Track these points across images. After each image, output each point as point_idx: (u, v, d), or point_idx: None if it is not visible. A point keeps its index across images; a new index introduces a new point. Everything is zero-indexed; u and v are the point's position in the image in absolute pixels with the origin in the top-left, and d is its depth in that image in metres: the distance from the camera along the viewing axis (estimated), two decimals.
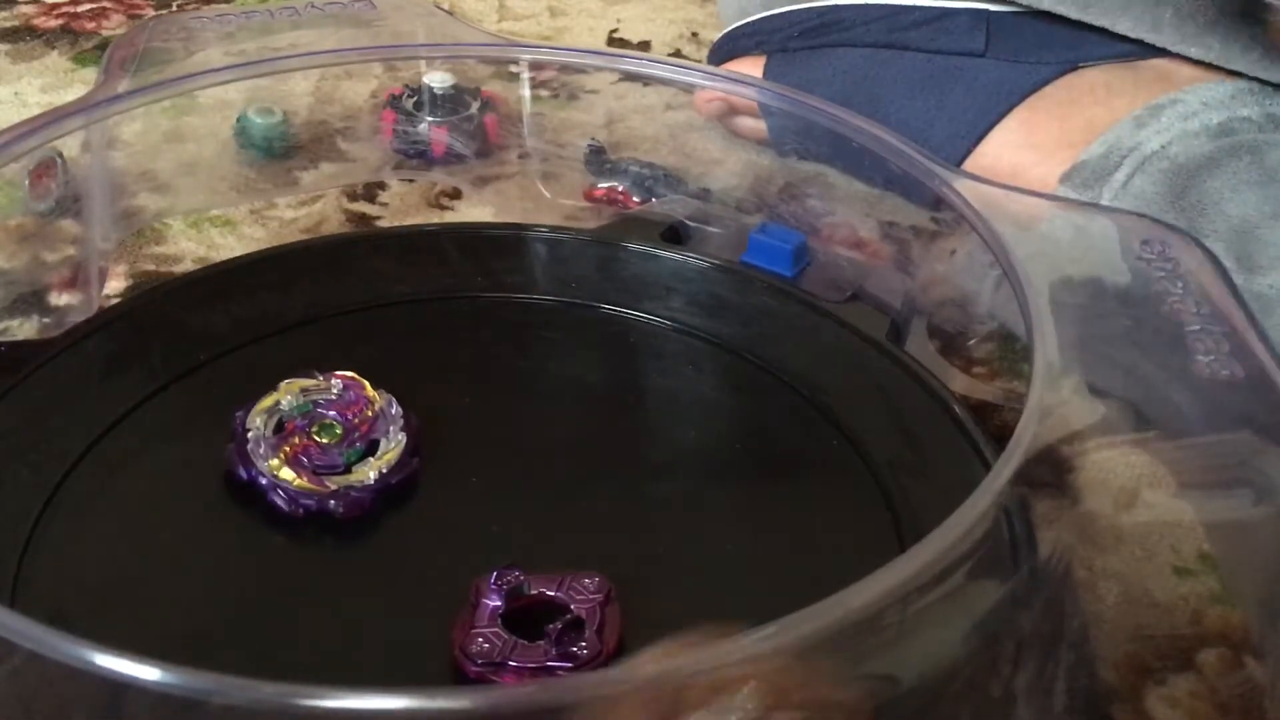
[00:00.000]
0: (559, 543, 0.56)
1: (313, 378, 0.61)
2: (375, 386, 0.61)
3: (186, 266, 0.80)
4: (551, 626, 0.49)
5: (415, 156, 0.85)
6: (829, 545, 0.57)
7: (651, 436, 0.63)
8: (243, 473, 0.57)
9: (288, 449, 0.57)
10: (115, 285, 0.77)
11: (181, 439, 0.61)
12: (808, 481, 0.61)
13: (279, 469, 0.57)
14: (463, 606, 0.50)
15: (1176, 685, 0.56)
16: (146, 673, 0.37)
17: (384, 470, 0.57)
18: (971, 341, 0.71)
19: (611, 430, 0.63)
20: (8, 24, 1.09)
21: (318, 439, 0.58)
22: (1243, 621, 0.58)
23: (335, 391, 0.60)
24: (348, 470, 0.57)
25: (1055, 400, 0.52)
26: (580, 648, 0.49)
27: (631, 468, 0.60)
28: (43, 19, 1.10)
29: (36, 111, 0.83)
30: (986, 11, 0.81)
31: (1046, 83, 0.79)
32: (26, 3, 1.12)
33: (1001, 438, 0.53)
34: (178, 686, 0.37)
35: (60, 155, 0.72)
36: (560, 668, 0.48)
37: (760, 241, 0.71)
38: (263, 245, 0.81)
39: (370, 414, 0.59)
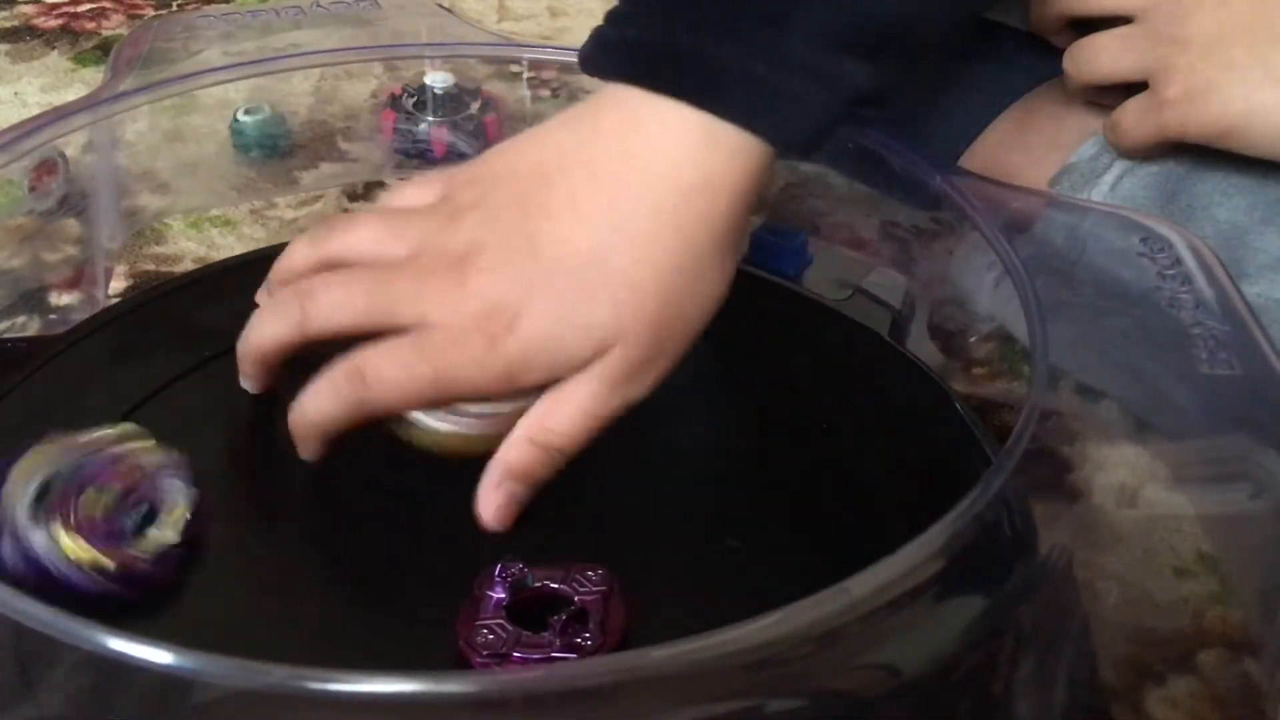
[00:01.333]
0: (563, 536, 0.56)
1: (165, 453, 0.55)
2: None
3: (186, 266, 0.80)
4: (555, 618, 0.49)
5: (416, 156, 0.85)
6: (830, 539, 0.57)
7: (654, 433, 0.63)
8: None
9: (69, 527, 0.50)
10: (115, 285, 0.77)
11: (185, 436, 0.61)
12: (809, 477, 0.61)
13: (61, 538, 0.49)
14: (467, 599, 0.51)
15: (1176, 686, 0.56)
16: (157, 655, 0.37)
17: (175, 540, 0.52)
18: (972, 339, 0.72)
19: (613, 426, 0.63)
20: (8, 24, 1.09)
21: (91, 511, 0.51)
22: (1242, 621, 0.59)
23: (105, 445, 0.53)
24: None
25: (1055, 400, 0.52)
26: (584, 639, 0.49)
27: (634, 463, 0.60)
28: (43, 19, 1.10)
29: (36, 111, 0.84)
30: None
31: (1041, 83, 0.79)
32: (26, 2, 1.12)
33: (1002, 436, 0.54)
34: (188, 670, 0.37)
35: (62, 155, 0.73)
36: (564, 659, 0.48)
37: (763, 240, 0.71)
38: (263, 245, 0.82)
39: (141, 472, 0.53)
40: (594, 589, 0.51)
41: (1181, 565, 0.61)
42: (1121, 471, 0.62)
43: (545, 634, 0.49)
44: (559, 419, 0.55)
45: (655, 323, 0.54)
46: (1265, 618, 0.53)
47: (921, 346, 0.69)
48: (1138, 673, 0.57)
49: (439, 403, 0.55)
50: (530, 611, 0.50)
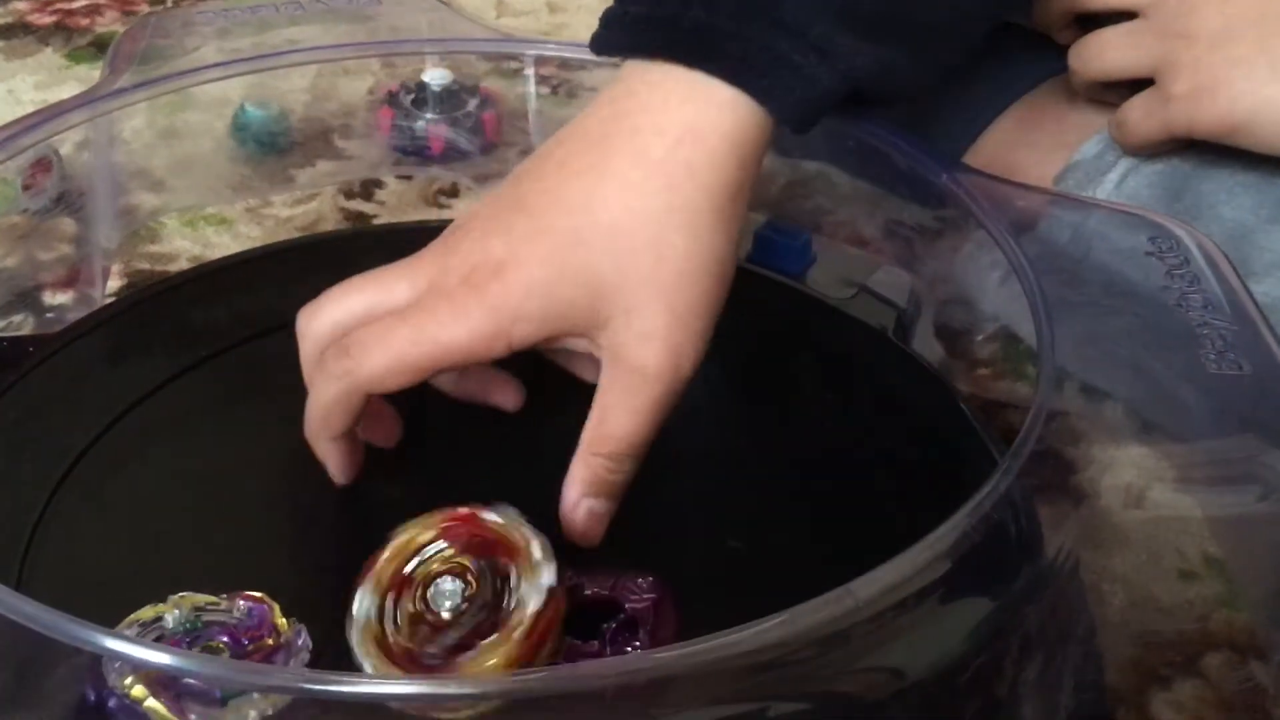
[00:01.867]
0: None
1: (213, 595, 0.50)
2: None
3: (181, 265, 0.80)
4: (605, 626, 0.49)
5: (414, 154, 0.85)
6: (833, 540, 0.56)
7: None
8: (90, 693, 0.44)
9: (155, 670, 0.45)
10: (110, 284, 0.77)
11: (184, 435, 0.61)
12: (812, 477, 0.60)
13: (131, 688, 0.44)
14: None
15: (1181, 689, 0.56)
16: (156, 656, 0.36)
17: (268, 713, 0.44)
18: (977, 339, 0.71)
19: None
20: (1, 20, 1.08)
21: None
22: (1247, 624, 0.58)
23: (236, 614, 0.49)
24: (224, 704, 0.45)
25: (1061, 400, 0.52)
26: (634, 648, 0.48)
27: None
28: (37, 15, 1.09)
29: (30, 109, 0.83)
30: None
31: (1044, 80, 0.79)
32: None
33: (1007, 437, 0.53)
34: (188, 671, 0.36)
35: (57, 153, 0.72)
36: None
37: (766, 239, 0.71)
38: (258, 243, 0.81)
39: (270, 643, 0.48)
40: (644, 597, 0.50)
41: (1187, 567, 0.61)
42: (1127, 473, 0.62)
43: (594, 642, 0.48)
44: (610, 422, 0.53)
45: (655, 280, 0.53)
46: (1273, 621, 0.52)
47: (926, 346, 0.68)
48: (1143, 675, 0.57)
49: (427, 370, 0.53)
50: (581, 619, 0.49)
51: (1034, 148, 0.76)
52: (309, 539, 0.56)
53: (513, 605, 0.47)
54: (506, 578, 0.48)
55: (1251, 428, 0.53)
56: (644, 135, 0.55)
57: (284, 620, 0.49)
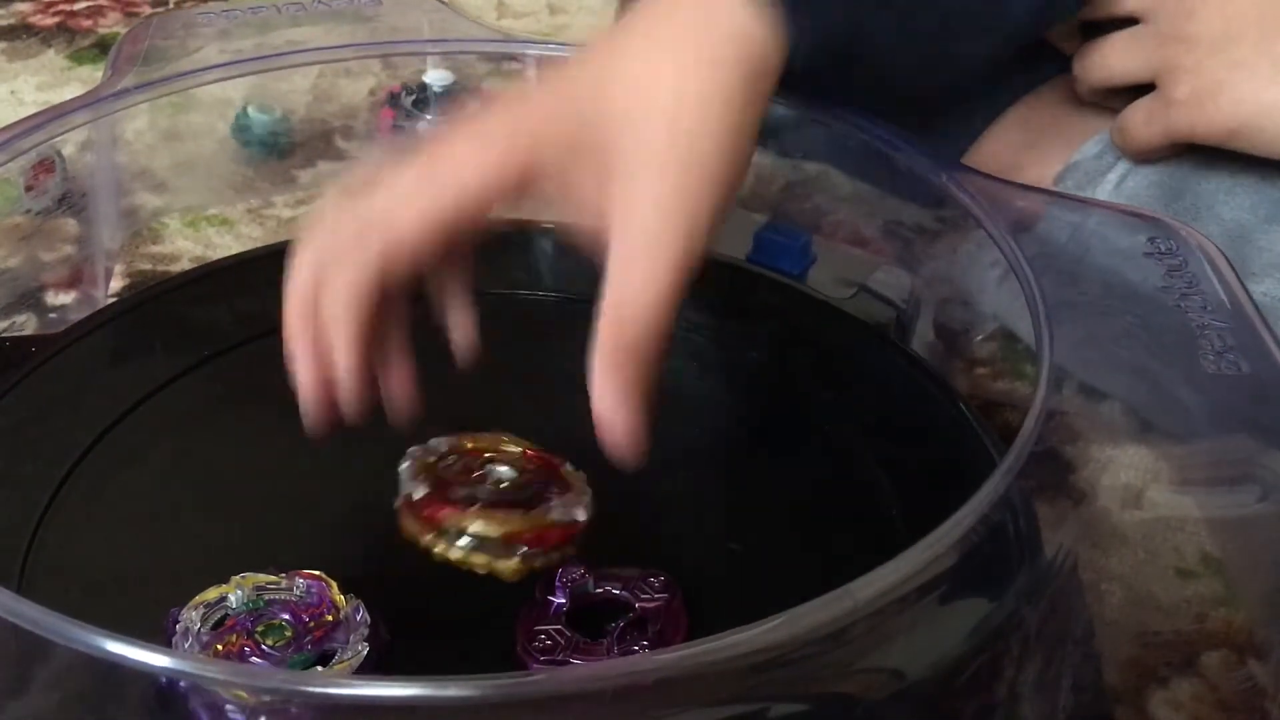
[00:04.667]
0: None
1: (272, 574, 0.52)
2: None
3: (183, 265, 0.80)
4: (613, 625, 0.49)
5: None
6: (832, 540, 0.56)
7: (655, 432, 0.62)
8: (162, 675, 0.42)
9: (221, 647, 0.48)
10: (112, 284, 0.77)
11: (186, 435, 0.61)
12: (812, 477, 0.60)
13: None
14: (528, 602, 0.50)
15: (1179, 688, 0.56)
16: (155, 659, 0.37)
17: None
18: (976, 339, 0.71)
19: None
20: (4, 22, 1.08)
21: (261, 640, 0.49)
22: (1245, 624, 0.58)
23: (296, 592, 0.51)
24: None
25: (1059, 400, 0.52)
26: (643, 647, 0.48)
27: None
28: (39, 17, 1.09)
29: (33, 110, 0.83)
30: None
31: (1045, 80, 0.79)
32: (23, 0, 1.12)
33: (1005, 436, 0.53)
34: (187, 673, 0.36)
35: (59, 154, 0.72)
36: None
37: (767, 239, 0.71)
38: (260, 244, 0.81)
39: (330, 619, 0.50)
40: (655, 596, 0.50)
41: (1185, 566, 0.61)
42: (1126, 473, 0.62)
43: (603, 640, 0.49)
44: (631, 291, 0.50)
45: (673, 146, 0.51)
46: (1271, 620, 0.52)
47: (925, 345, 0.68)
48: (1141, 674, 0.57)
49: (454, 219, 0.51)
50: (593, 617, 0.50)
51: (1033, 149, 0.76)
52: (311, 539, 0.56)
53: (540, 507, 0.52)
54: (548, 500, 0.53)
55: (1250, 428, 0.53)
56: (656, 14, 0.55)
57: (341, 597, 0.51)
